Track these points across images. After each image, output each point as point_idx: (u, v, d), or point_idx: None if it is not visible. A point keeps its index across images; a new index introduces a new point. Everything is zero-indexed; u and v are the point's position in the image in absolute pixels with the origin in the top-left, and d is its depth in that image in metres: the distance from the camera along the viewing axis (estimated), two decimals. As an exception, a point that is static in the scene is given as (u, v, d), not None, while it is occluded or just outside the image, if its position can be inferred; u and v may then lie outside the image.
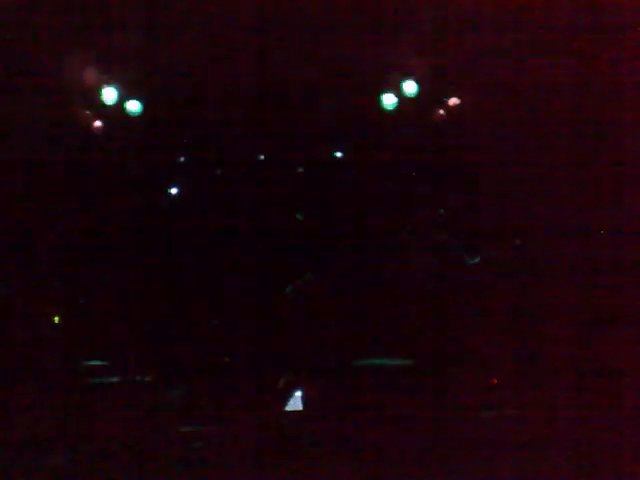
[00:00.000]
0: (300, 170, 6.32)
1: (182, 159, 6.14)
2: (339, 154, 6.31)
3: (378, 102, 6.10)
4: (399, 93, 6.09)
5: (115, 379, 5.56)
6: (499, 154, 5.86)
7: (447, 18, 5.74)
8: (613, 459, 5.09)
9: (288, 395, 5.65)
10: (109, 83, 5.74)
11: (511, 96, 5.83)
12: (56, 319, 5.66)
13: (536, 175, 5.81)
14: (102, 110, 5.80)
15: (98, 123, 5.84)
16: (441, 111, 6.23)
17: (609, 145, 5.68)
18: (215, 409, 5.50)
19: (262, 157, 6.25)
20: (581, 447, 5.23)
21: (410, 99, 6.08)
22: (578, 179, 5.74)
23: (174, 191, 6.13)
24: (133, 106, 5.81)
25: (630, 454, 5.09)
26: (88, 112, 5.79)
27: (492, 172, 5.86)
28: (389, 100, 6.10)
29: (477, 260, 5.82)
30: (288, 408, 5.64)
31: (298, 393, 5.67)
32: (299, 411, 5.64)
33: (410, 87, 6.08)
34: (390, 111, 6.09)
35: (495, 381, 5.71)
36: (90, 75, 5.70)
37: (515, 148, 5.85)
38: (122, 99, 5.80)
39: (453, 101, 6.21)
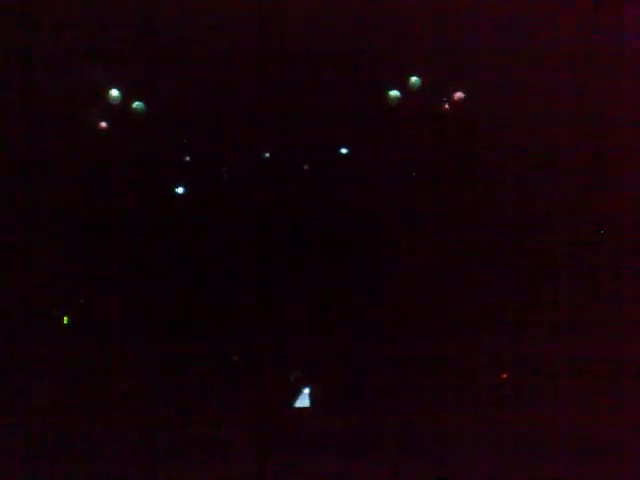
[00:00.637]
0: (306, 167, 6.31)
1: (187, 159, 6.16)
2: (344, 150, 6.30)
3: (383, 98, 6.11)
4: (404, 89, 6.10)
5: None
6: (504, 150, 5.86)
7: (450, 14, 5.78)
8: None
9: (296, 392, 5.70)
10: (113, 84, 5.81)
11: (515, 92, 5.82)
12: (65, 320, 5.71)
13: (540, 172, 5.81)
14: (107, 110, 5.86)
15: (103, 124, 5.89)
16: (446, 106, 6.22)
17: (613, 143, 5.68)
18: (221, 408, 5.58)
19: (267, 155, 6.26)
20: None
21: (415, 94, 6.08)
22: (581, 177, 5.73)
23: (180, 191, 6.15)
24: (137, 106, 5.87)
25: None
26: (93, 112, 5.84)
27: (497, 167, 5.86)
28: (394, 96, 6.11)
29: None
30: (296, 405, 5.70)
31: (306, 390, 5.72)
32: (306, 408, 5.69)
33: (415, 82, 6.10)
34: (395, 107, 6.09)
35: (504, 376, 5.70)
36: (94, 75, 5.76)
37: (519, 144, 5.84)
38: (126, 99, 5.86)
39: (458, 95, 6.19)
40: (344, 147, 6.21)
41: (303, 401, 5.71)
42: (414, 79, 6.13)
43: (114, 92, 5.81)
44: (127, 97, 5.85)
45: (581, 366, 5.45)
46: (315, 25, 5.75)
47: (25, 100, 5.57)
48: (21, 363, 5.37)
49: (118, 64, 5.69)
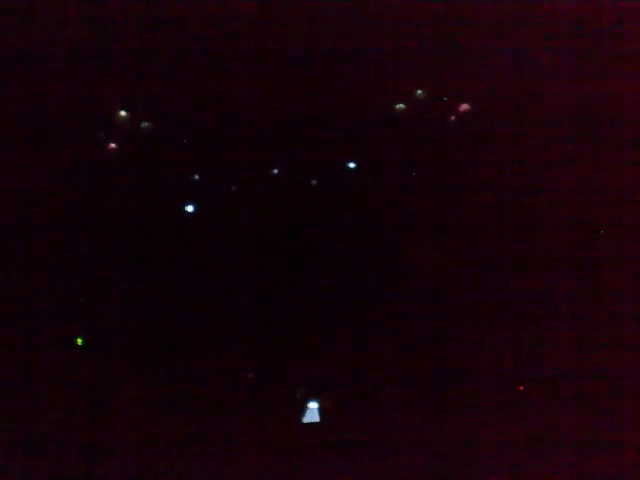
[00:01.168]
0: (314, 182, 6.39)
1: (196, 177, 6.27)
2: (352, 165, 6.36)
3: (389, 111, 6.18)
4: (410, 101, 6.16)
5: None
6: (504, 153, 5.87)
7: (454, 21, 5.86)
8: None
9: (304, 407, 5.73)
10: (123, 105, 5.99)
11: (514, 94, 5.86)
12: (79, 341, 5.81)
13: (540, 172, 5.80)
14: (116, 131, 6.02)
15: (112, 145, 6.05)
16: (452, 117, 6.26)
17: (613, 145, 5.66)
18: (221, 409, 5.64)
19: (275, 171, 6.36)
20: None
21: (421, 106, 6.13)
22: (582, 177, 5.70)
23: (190, 209, 6.26)
24: (147, 127, 6.04)
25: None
26: (102, 134, 6.00)
27: (497, 169, 5.87)
28: (400, 108, 6.18)
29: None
30: (305, 420, 5.72)
31: (314, 404, 5.74)
32: (315, 423, 5.71)
33: (421, 95, 6.16)
34: (401, 119, 6.15)
35: (522, 388, 5.66)
36: (104, 97, 5.94)
37: (520, 145, 5.85)
38: (135, 120, 6.02)
39: (464, 107, 6.22)
40: (348, 156, 6.27)
41: (312, 416, 5.72)
42: (419, 92, 6.20)
43: (122, 113, 6.01)
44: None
45: (581, 367, 5.40)
46: (316, 27, 5.87)
47: (26, 103, 5.74)
48: (21, 365, 5.53)
49: (116, 65, 5.83)
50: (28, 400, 5.42)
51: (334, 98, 6.04)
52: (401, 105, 6.21)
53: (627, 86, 5.64)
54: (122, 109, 6.00)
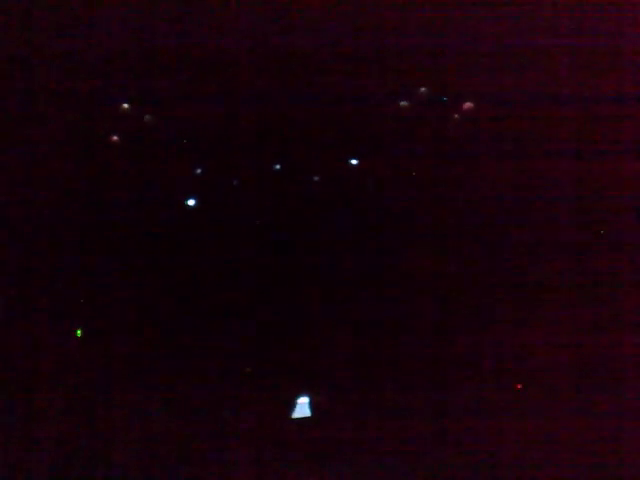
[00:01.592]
0: (316, 179, 6.40)
1: (198, 171, 6.29)
2: (355, 162, 6.37)
3: (393, 109, 6.17)
4: (413, 99, 6.16)
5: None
6: (504, 153, 5.87)
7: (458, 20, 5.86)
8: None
9: (295, 401, 5.74)
10: (125, 97, 5.99)
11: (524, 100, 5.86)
12: (78, 332, 5.84)
13: (540, 173, 5.80)
14: (118, 124, 6.02)
15: (115, 137, 6.06)
16: (456, 115, 6.25)
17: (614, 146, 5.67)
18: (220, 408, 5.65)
19: (278, 167, 6.37)
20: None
21: (425, 105, 6.13)
22: (582, 178, 5.71)
23: (191, 203, 6.28)
24: (149, 119, 6.04)
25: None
26: (104, 126, 6.00)
27: (497, 170, 5.87)
28: (404, 106, 6.18)
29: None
30: (295, 415, 5.72)
31: (305, 399, 5.74)
32: (306, 417, 5.71)
33: (425, 93, 6.16)
34: (405, 118, 6.15)
35: (520, 387, 5.66)
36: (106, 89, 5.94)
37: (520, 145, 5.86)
38: (138, 113, 6.02)
39: (467, 105, 6.22)
40: (348, 155, 6.28)
41: (303, 410, 5.72)
42: (423, 89, 6.20)
43: (125, 105, 6.01)
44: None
45: (581, 367, 5.40)
46: (316, 26, 5.87)
47: (28, 103, 5.76)
48: (21, 364, 5.55)
49: (118, 65, 5.83)
50: (28, 400, 5.46)
51: (334, 97, 6.05)
52: (404, 102, 6.21)
53: (627, 86, 5.65)
54: (124, 104, 6.01)
